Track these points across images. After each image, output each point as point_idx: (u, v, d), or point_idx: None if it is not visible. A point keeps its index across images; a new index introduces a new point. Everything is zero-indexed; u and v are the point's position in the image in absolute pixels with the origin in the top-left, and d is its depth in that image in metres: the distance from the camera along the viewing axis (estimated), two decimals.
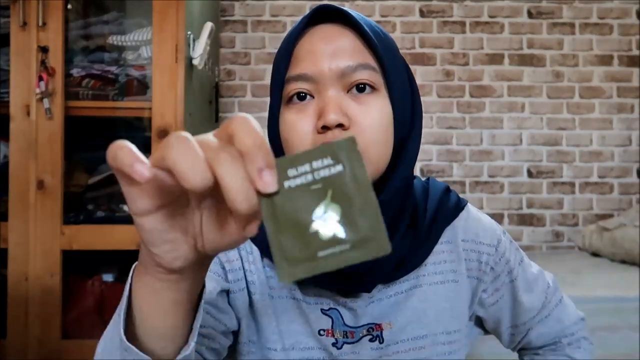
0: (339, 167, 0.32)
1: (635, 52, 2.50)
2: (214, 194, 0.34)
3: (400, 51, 0.65)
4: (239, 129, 0.31)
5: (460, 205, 0.70)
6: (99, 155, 1.76)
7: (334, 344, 0.64)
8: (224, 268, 0.64)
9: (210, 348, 0.59)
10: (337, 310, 0.64)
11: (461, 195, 0.72)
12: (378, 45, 0.59)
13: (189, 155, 0.30)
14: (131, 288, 0.41)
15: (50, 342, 1.56)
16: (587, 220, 2.46)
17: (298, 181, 0.32)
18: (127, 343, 0.39)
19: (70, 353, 1.58)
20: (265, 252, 0.65)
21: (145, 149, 1.66)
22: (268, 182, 0.31)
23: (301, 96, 0.59)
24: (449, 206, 0.69)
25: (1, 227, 1.57)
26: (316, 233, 0.32)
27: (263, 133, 0.32)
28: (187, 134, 0.32)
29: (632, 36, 2.50)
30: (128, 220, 1.66)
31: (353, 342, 0.64)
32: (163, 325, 0.40)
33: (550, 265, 1.99)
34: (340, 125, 0.56)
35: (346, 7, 0.63)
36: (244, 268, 0.65)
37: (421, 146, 0.65)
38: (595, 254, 2.16)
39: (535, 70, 2.49)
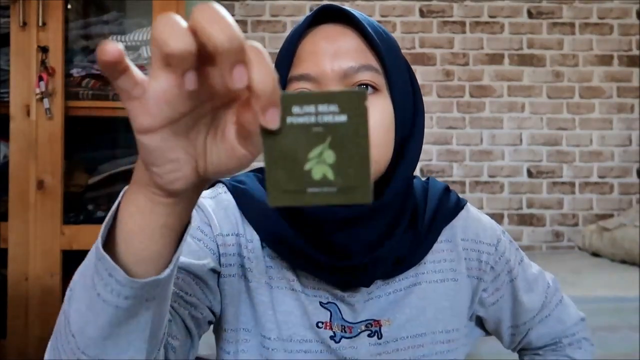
0: (343, 118, 0.33)
1: (635, 52, 2.50)
2: (219, 111, 0.35)
3: (401, 51, 0.66)
4: (252, 61, 0.31)
5: (459, 205, 0.70)
6: (99, 155, 1.76)
7: (331, 337, 0.64)
8: (218, 250, 0.64)
9: (192, 316, 0.59)
10: (336, 304, 0.64)
11: (461, 195, 0.73)
12: (380, 46, 0.60)
13: (174, 22, 0.31)
14: (119, 209, 0.40)
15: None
16: (587, 220, 2.46)
17: (300, 120, 0.33)
18: (102, 252, 0.38)
19: None
20: (267, 240, 0.64)
21: None
22: (270, 120, 0.32)
23: None
24: (448, 206, 0.69)
25: (1, 227, 1.57)
26: (309, 172, 0.34)
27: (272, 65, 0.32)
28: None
29: (632, 36, 2.50)
30: None
31: (351, 337, 0.64)
32: (147, 248, 0.39)
33: (550, 265, 1.99)
34: None
35: (347, 7, 0.63)
36: (242, 255, 0.65)
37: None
38: (595, 254, 2.16)
39: (535, 70, 2.49)
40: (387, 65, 0.60)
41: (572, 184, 2.48)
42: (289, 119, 0.33)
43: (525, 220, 2.48)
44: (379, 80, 0.59)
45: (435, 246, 0.68)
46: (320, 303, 0.64)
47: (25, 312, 1.57)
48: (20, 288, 1.57)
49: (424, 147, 2.42)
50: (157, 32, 0.30)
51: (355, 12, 0.61)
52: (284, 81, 0.61)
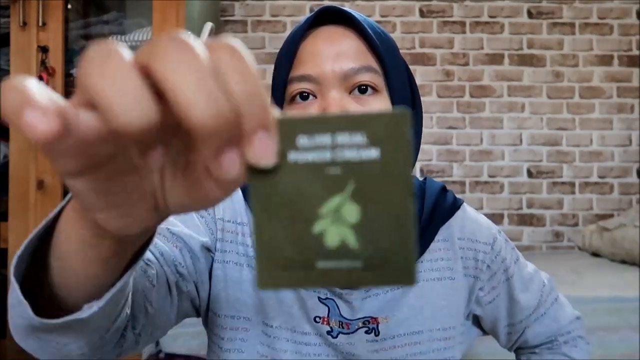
0: (374, 153, 0.23)
1: (635, 52, 2.50)
2: (176, 138, 0.25)
3: (400, 51, 0.66)
4: (224, 62, 0.21)
5: (456, 205, 0.71)
6: None
7: (329, 332, 0.65)
8: (216, 233, 0.65)
9: (178, 286, 0.59)
10: (334, 300, 0.65)
11: (461, 196, 0.73)
12: (380, 47, 0.60)
13: (118, 74, 0.20)
14: (59, 214, 0.33)
15: None
16: (587, 220, 2.46)
17: (309, 157, 0.23)
18: (14, 279, 0.34)
19: None
20: None
21: None
22: (260, 153, 0.22)
23: (304, 96, 0.60)
24: (445, 205, 0.70)
25: (1, 227, 1.57)
26: (320, 235, 0.23)
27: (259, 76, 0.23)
28: (117, 46, 0.21)
29: (632, 36, 2.50)
30: None
31: (348, 333, 0.65)
32: (84, 274, 0.32)
33: (550, 265, 1.99)
34: None
35: (347, 7, 0.63)
36: (245, 244, 0.65)
37: (421, 146, 0.66)
38: (595, 254, 2.16)
39: (535, 70, 2.49)
40: (387, 66, 0.60)
41: (572, 184, 2.48)
42: (292, 155, 0.23)
43: (525, 220, 2.47)
44: (379, 81, 0.60)
45: (433, 245, 0.69)
46: (319, 298, 0.65)
47: None
48: None
49: (424, 147, 2.44)
50: (93, 75, 0.20)
51: (356, 14, 0.62)
52: (284, 82, 0.61)
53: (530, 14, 2.50)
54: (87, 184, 0.24)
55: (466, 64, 2.49)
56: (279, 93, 0.62)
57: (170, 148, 0.26)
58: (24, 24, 1.57)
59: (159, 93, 0.21)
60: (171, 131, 0.24)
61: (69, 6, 1.67)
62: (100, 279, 0.33)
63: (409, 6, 2.48)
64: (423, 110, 2.69)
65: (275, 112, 0.23)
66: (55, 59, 1.58)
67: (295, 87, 0.60)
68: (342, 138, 0.23)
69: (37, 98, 0.20)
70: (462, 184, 2.46)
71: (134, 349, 0.51)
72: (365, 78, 0.59)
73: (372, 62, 0.60)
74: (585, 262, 2.06)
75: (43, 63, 1.57)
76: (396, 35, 2.43)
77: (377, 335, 0.65)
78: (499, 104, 2.49)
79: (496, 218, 2.47)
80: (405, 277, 0.23)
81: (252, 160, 0.22)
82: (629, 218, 2.09)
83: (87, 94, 0.21)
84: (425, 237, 0.68)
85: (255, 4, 2.46)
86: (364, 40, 0.61)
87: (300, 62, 0.61)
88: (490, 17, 2.50)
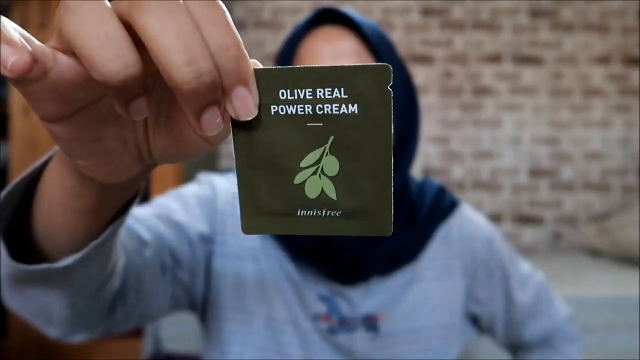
0: (354, 107, 0.23)
1: (635, 52, 2.50)
2: (158, 88, 0.25)
3: (401, 51, 0.66)
4: (199, 14, 0.20)
5: (455, 204, 0.72)
6: None
7: (329, 330, 0.65)
8: (216, 225, 0.65)
9: (175, 274, 0.59)
10: (334, 298, 0.65)
11: (461, 196, 0.74)
12: (378, 48, 0.60)
13: (97, 21, 0.19)
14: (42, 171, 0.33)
15: (50, 342, 1.56)
16: (587, 220, 2.46)
17: (290, 109, 0.23)
18: None
19: (70, 353, 1.57)
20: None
21: None
22: (242, 106, 0.22)
23: None
24: (443, 205, 0.71)
25: None
26: (301, 186, 0.24)
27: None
28: None
29: (632, 36, 2.50)
30: None
31: (349, 331, 0.65)
32: (68, 226, 0.32)
33: (550, 265, 1.99)
34: None
35: (346, 7, 0.63)
36: (247, 237, 0.66)
37: (421, 146, 0.67)
38: (595, 254, 2.16)
39: (535, 70, 2.49)
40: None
41: (572, 184, 2.48)
42: (274, 107, 0.23)
43: (525, 220, 2.47)
44: None
45: (432, 245, 0.69)
46: (320, 296, 0.65)
47: None
48: None
49: (424, 147, 2.44)
50: (72, 21, 0.20)
51: (354, 14, 0.62)
52: None
53: (530, 14, 2.50)
54: (67, 130, 0.24)
55: (466, 64, 2.49)
56: None
57: (153, 97, 0.25)
58: (24, 24, 1.57)
59: (139, 42, 0.20)
60: (153, 81, 0.24)
61: None
62: (83, 232, 0.33)
63: (409, 6, 2.48)
64: (423, 110, 2.69)
65: (255, 64, 0.23)
66: None
67: None
68: (323, 92, 0.23)
69: (10, 34, 0.19)
70: (462, 184, 2.46)
71: (125, 326, 0.51)
72: None
73: (370, 62, 0.60)
74: (585, 262, 2.06)
75: None
76: (396, 35, 2.43)
77: (377, 332, 0.66)
78: (499, 104, 2.49)
79: (496, 218, 2.47)
80: (383, 227, 0.24)
81: (232, 114, 0.22)
82: (629, 218, 2.09)
83: (67, 40, 0.20)
84: (423, 237, 0.68)
85: (255, 4, 2.46)
86: (362, 41, 0.61)
87: (300, 62, 0.61)
88: (490, 17, 2.50)
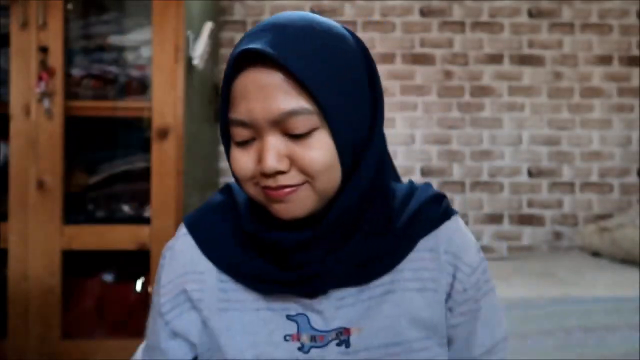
0: None
1: (635, 52, 2.50)
2: None
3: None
4: None
5: (446, 215, 0.67)
6: (99, 155, 1.76)
7: (299, 349, 0.63)
8: (197, 305, 0.66)
9: None
10: (305, 315, 0.63)
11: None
12: (310, 86, 0.56)
13: None
14: None
15: (50, 342, 1.56)
16: (587, 220, 2.46)
17: None
18: None
19: (70, 353, 1.57)
20: (221, 266, 0.66)
21: (145, 149, 1.66)
22: None
23: (245, 141, 0.59)
24: (431, 214, 0.66)
25: (1, 227, 1.57)
26: None
27: None
28: None
29: (632, 36, 2.50)
30: (128, 220, 1.66)
31: (321, 347, 0.63)
32: None
33: (550, 265, 1.99)
34: (279, 172, 0.57)
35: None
36: (190, 290, 0.66)
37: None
38: (595, 254, 2.16)
39: (535, 70, 2.49)
40: (322, 104, 0.57)
41: (572, 184, 2.48)
42: None
43: (525, 220, 2.47)
44: (313, 120, 0.57)
45: (416, 254, 0.65)
46: (287, 316, 0.63)
47: (25, 312, 1.57)
48: (20, 288, 1.57)
49: (424, 146, 2.44)
50: None
51: (283, 45, 0.57)
52: (225, 123, 0.61)
53: (530, 14, 2.50)
54: None
55: (466, 64, 2.49)
56: (224, 132, 0.62)
57: None
58: (24, 24, 1.57)
59: None
60: None
61: (69, 6, 1.67)
62: None
63: (409, 6, 2.48)
64: (424, 110, 2.68)
65: None
66: (55, 59, 1.58)
67: (235, 132, 0.59)
68: None
69: None
70: (462, 184, 2.46)
71: None
72: (296, 124, 0.56)
73: (302, 101, 0.56)
74: (585, 262, 2.06)
75: (43, 63, 1.57)
76: (396, 35, 2.43)
77: (348, 347, 0.63)
78: (499, 104, 2.49)
79: (496, 218, 2.47)
80: None
81: None
82: (629, 218, 2.09)
83: None
84: (403, 244, 0.64)
85: (255, 4, 2.46)
86: (293, 76, 0.56)
87: (234, 105, 0.58)
88: (490, 17, 2.50)
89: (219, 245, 0.66)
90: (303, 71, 0.56)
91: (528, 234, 2.47)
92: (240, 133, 0.59)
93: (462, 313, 0.67)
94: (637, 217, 2.04)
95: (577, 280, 1.71)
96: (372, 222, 0.63)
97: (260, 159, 0.57)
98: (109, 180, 1.70)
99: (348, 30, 0.64)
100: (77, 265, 1.67)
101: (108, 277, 1.71)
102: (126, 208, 1.69)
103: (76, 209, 1.67)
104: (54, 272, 1.58)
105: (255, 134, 0.58)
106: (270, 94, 0.56)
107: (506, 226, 2.46)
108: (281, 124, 0.56)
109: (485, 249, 2.46)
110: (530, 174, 2.48)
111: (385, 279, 0.64)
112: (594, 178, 2.49)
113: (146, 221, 1.62)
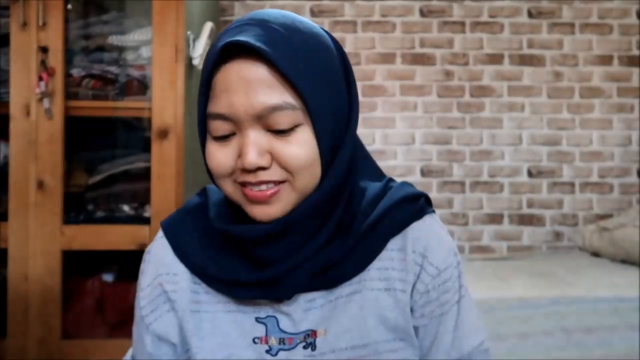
0: None
1: (635, 52, 2.50)
2: None
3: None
4: None
5: (417, 216, 0.65)
6: (99, 155, 1.75)
7: (267, 351, 0.62)
8: (175, 304, 0.66)
9: None
10: (275, 317, 0.63)
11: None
12: (296, 82, 0.56)
13: None
14: None
15: (50, 342, 1.56)
16: (587, 220, 2.46)
17: None
18: None
19: (70, 353, 1.57)
20: (193, 269, 0.65)
21: (145, 149, 1.66)
22: None
23: (224, 135, 0.58)
24: (401, 215, 0.64)
25: (1, 227, 1.57)
26: None
27: None
28: None
29: (632, 36, 2.50)
30: (128, 220, 1.66)
31: (289, 349, 0.62)
32: None
33: (550, 265, 1.99)
34: (261, 168, 0.56)
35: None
36: (166, 291, 0.66)
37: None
38: (595, 254, 2.16)
39: (535, 70, 2.49)
40: (306, 99, 0.56)
41: (572, 184, 2.48)
42: None
43: (525, 220, 2.47)
44: (296, 116, 0.56)
45: (385, 254, 0.64)
46: (257, 318, 0.63)
47: (25, 312, 1.56)
48: (20, 288, 1.57)
49: (425, 146, 2.44)
50: None
51: (268, 40, 0.56)
52: (203, 116, 0.59)
53: (530, 14, 2.50)
54: None
55: (466, 64, 2.49)
56: (201, 126, 0.60)
57: None
58: (24, 24, 1.57)
59: None
60: None
61: (69, 6, 1.67)
62: None
63: (409, 6, 2.48)
64: (424, 110, 2.69)
65: None
66: (55, 59, 1.58)
67: (214, 126, 0.57)
68: None
69: None
70: (462, 184, 2.46)
71: None
72: (279, 119, 0.55)
73: (286, 95, 0.56)
74: (585, 262, 2.06)
75: (43, 63, 1.57)
76: (396, 35, 2.43)
77: (314, 350, 0.62)
78: (499, 104, 2.49)
79: (496, 218, 2.47)
80: None
81: None
82: (629, 218, 2.09)
83: None
84: (369, 245, 0.63)
85: (255, 4, 2.45)
86: (278, 70, 0.55)
87: (215, 97, 0.57)
88: (490, 17, 2.50)
89: (191, 247, 0.66)
90: (288, 67, 0.55)
91: (528, 234, 2.47)
92: (219, 127, 0.57)
93: (423, 315, 0.64)
94: (637, 217, 2.04)
95: (577, 280, 1.71)
96: (338, 222, 0.62)
97: (240, 154, 0.56)
98: (108, 180, 1.70)
99: (325, 31, 0.64)
100: (77, 265, 1.67)
101: (108, 277, 1.71)
102: (126, 208, 1.69)
103: (76, 209, 1.67)
104: (53, 272, 1.58)
105: (236, 129, 0.57)
106: (254, 87, 0.55)
107: (506, 226, 2.46)
108: (264, 119, 0.55)
109: (485, 249, 2.46)
110: (530, 174, 2.48)
111: (354, 279, 0.63)
112: (594, 178, 2.49)
113: (146, 221, 1.62)
